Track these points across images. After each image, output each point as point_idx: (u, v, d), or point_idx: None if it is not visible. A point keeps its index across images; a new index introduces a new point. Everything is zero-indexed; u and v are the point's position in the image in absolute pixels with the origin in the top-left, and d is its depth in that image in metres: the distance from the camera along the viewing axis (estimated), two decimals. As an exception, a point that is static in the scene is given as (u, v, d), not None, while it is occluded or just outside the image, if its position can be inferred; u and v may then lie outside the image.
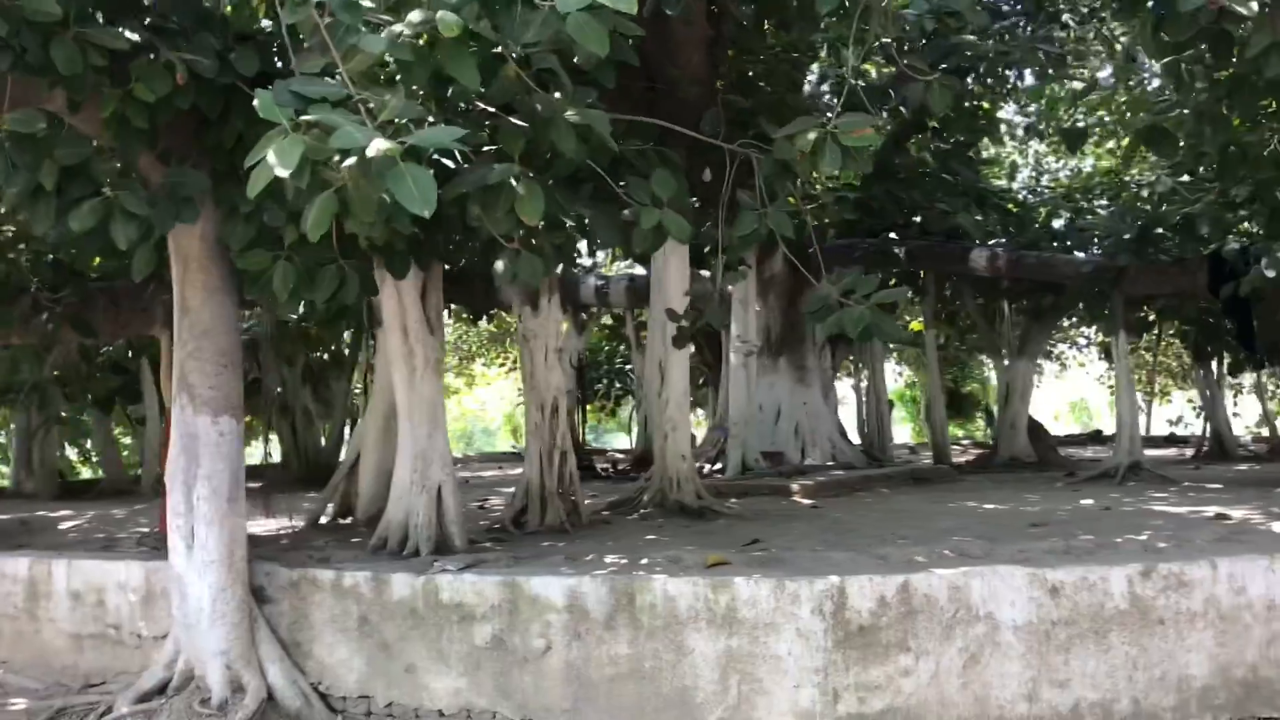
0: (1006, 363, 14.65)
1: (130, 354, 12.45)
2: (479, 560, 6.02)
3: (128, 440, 18.62)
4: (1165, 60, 6.94)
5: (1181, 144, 7.72)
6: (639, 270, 13.49)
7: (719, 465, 12.45)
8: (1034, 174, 14.92)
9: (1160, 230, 10.24)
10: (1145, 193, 9.59)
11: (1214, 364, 15.15)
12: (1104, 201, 13.39)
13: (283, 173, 3.75)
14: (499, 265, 5.29)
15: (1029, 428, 14.27)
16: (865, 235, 12.93)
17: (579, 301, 14.43)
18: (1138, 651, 5.40)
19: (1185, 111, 7.35)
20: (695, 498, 8.61)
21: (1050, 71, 9.10)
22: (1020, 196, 13.83)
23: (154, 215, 4.86)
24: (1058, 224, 13.22)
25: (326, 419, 15.42)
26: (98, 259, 6.74)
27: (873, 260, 12.58)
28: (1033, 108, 13.74)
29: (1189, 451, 16.47)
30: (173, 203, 4.98)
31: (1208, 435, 15.18)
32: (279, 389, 14.53)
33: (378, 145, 3.75)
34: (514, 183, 4.88)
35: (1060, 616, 5.38)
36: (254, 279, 5.50)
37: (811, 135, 5.20)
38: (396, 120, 4.02)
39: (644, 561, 5.87)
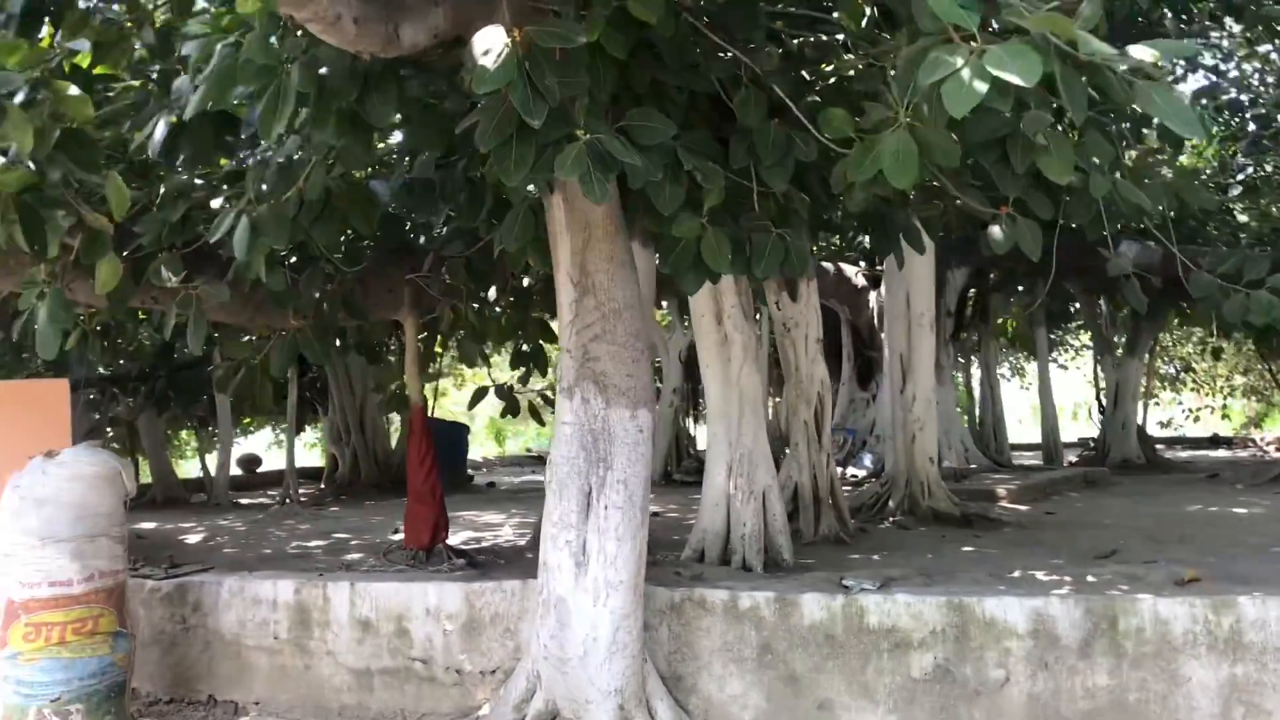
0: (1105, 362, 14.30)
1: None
2: (888, 578, 5.22)
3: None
4: None
5: None
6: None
7: (850, 470, 11.76)
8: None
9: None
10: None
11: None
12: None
13: (1023, 81, 2.92)
14: (994, 232, 4.50)
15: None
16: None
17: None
18: None
19: None
20: (951, 503, 7.90)
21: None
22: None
23: (643, 164, 3.94)
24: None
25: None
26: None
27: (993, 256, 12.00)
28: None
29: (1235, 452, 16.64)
30: (640, 151, 4.08)
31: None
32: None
33: (1143, 52, 2.98)
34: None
35: None
36: (669, 249, 4.65)
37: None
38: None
39: (1090, 579, 5.14)
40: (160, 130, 4.32)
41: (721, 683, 5.10)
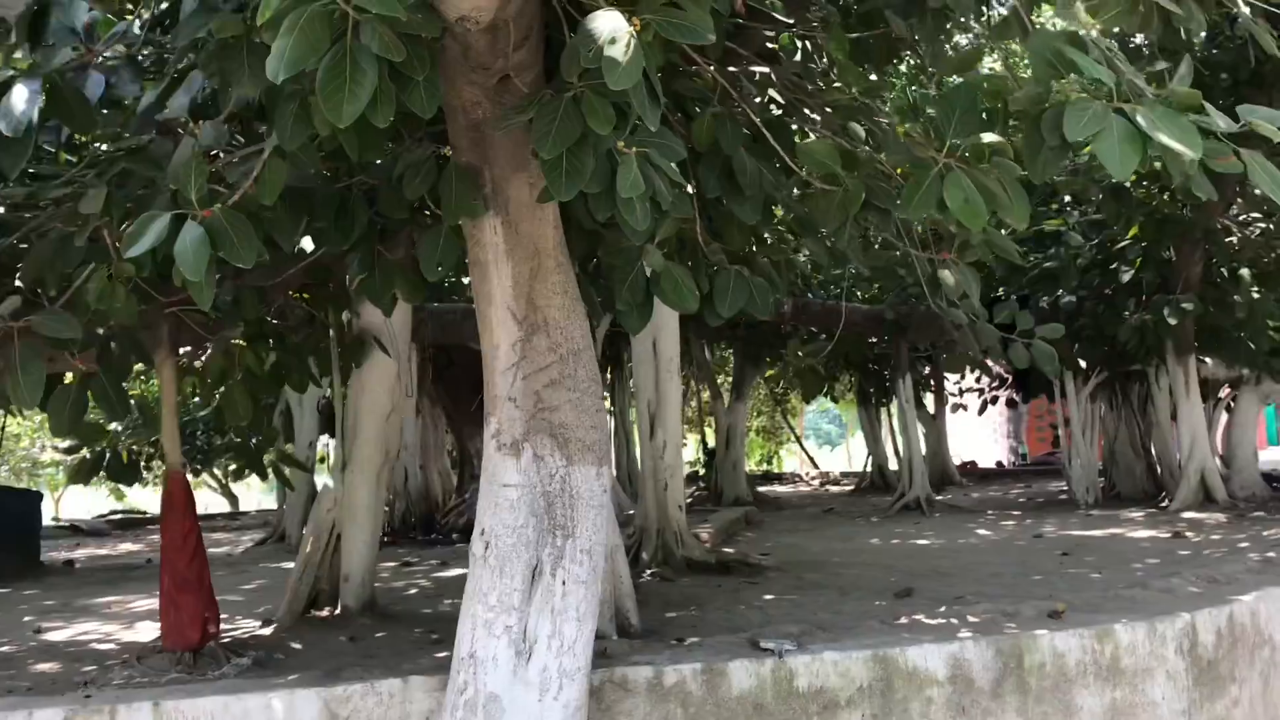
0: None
1: None
2: (794, 636, 4.99)
3: None
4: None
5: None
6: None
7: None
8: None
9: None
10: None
11: (875, 407, 16.87)
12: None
13: (1191, 153, 2.93)
14: (945, 275, 4.49)
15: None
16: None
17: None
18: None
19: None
20: (706, 552, 7.83)
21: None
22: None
23: (669, 188, 3.42)
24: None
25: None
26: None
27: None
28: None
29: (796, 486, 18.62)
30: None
31: (868, 470, 16.84)
32: None
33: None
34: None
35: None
36: (620, 283, 4.18)
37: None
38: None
39: (972, 619, 5.27)
40: (23, 97, 3.07)
41: (645, 771, 4.57)
